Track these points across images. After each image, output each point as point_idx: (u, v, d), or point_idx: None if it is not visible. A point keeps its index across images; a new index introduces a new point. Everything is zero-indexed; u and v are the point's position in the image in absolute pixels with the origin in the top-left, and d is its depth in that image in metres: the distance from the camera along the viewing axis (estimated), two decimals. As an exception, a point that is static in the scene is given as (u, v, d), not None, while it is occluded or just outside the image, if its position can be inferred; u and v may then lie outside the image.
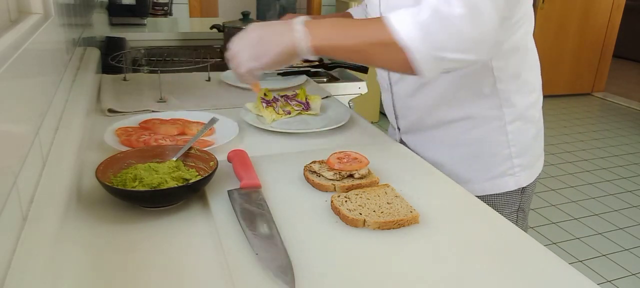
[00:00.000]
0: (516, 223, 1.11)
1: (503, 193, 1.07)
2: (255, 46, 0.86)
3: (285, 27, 0.84)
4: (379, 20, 0.81)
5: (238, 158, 0.89)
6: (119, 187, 0.76)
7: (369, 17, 0.86)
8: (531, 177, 1.09)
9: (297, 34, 0.81)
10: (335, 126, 1.13)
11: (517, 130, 1.04)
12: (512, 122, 1.03)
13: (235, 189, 0.80)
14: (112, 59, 1.37)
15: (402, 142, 1.17)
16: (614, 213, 2.98)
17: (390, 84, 1.12)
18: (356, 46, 0.82)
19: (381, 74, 1.15)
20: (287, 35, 0.82)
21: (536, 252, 0.70)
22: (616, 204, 3.08)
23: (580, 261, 2.48)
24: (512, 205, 1.09)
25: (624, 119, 4.76)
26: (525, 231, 1.08)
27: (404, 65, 0.80)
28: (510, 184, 1.07)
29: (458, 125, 1.05)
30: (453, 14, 0.75)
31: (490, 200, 1.07)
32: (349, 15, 1.28)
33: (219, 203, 0.78)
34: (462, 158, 1.07)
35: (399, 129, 1.18)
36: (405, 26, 0.78)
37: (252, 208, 0.74)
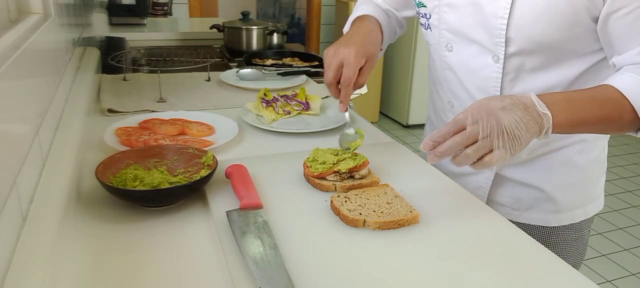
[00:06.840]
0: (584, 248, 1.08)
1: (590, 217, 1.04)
2: (509, 135, 0.72)
3: (531, 113, 0.73)
4: (616, 96, 0.77)
5: (237, 175, 0.83)
6: (119, 186, 0.76)
7: (597, 89, 0.79)
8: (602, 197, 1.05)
9: (545, 119, 0.74)
10: (335, 126, 1.13)
11: (605, 150, 1.02)
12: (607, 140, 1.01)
13: (234, 210, 0.74)
14: (112, 59, 1.37)
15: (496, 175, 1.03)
16: (614, 213, 2.98)
17: None
18: (593, 126, 0.79)
19: None
20: (538, 121, 0.73)
21: (536, 251, 0.70)
22: (616, 204, 3.08)
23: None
24: (587, 228, 1.06)
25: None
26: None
27: (631, 130, 0.80)
28: (599, 205, 1.03)
29: (571, 149, 0.98)
30: None
31: (578, 226, 1.03)
32: (376, 23, 1.08)
33: (219, 201, 0.78)
34: (564, 184, 1.00)
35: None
36: None
37: (253, 232, 0.69)
